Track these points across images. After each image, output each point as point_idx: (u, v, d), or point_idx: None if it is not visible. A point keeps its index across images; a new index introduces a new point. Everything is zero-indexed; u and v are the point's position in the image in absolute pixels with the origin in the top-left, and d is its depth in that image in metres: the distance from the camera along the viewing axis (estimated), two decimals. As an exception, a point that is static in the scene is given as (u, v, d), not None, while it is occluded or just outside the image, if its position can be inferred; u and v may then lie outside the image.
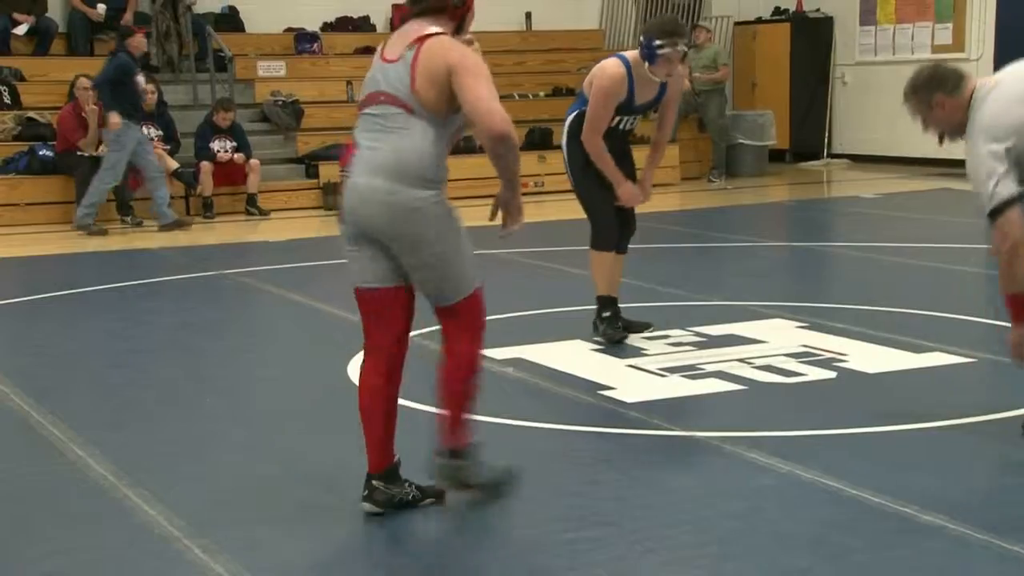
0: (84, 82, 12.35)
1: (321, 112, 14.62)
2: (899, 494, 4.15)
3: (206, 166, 12.74)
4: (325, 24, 16.31)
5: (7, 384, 5.97)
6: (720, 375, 5.82)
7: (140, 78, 11.81)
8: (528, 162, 13.77)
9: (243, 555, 3.82)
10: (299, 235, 11.53)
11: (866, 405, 5.34)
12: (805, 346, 6.37)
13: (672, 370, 5.95)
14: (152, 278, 9.24)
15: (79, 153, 12.24)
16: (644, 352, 6.33)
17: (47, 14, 14.57)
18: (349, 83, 15.02)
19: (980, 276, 9.03)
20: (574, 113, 6.45)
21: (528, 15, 17.36)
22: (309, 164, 13.86)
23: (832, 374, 5.83)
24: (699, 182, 15.57)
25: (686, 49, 6.22)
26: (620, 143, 6.45)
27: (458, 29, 4.07)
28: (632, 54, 6.31)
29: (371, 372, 4.11)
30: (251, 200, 12.96)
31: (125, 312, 7.99)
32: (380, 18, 16.57)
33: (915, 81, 4.76)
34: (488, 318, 4.19)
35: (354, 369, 5.86)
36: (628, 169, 6.48)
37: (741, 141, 16.13)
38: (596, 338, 6.54)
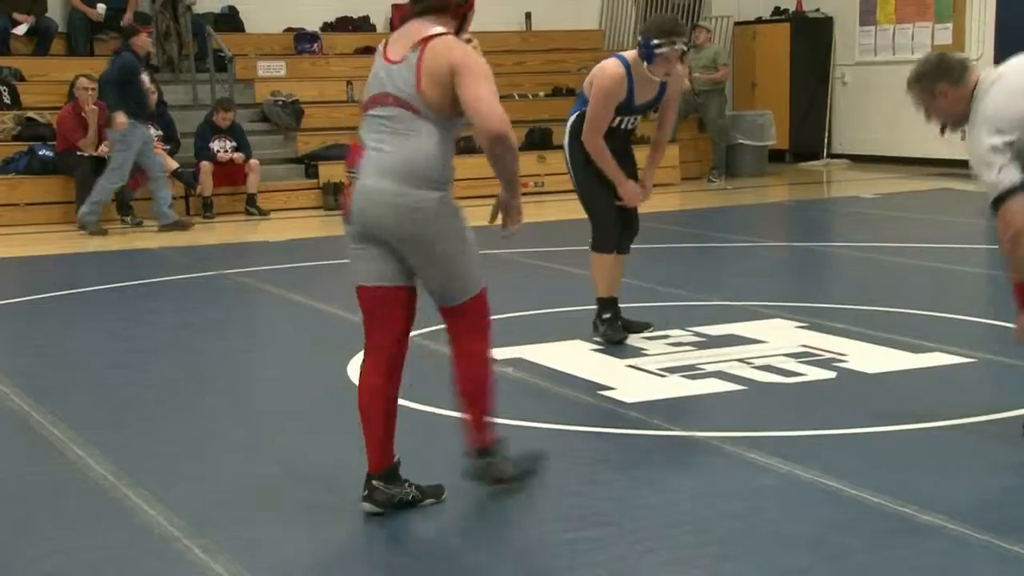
0: (84, 82, 12.35)
1: (321, 112, 14.62)
2: (899, 494, 4.15)
3: (206, 166, 12.74)
4: (325, 24, 16.31)
5: (7, 384, 5.98)
6: (720, 375, 5.83)
7: (145, 77, 11.82)
8: (528, 162, 13.78)
9: (243, 555, 3.82)
10: (299, 235, 11.53)
11: (866, 405, 5.35)
12: (805, 346, 6.37)
13: (672, 370, 5.96)
14: (152, 278, 9.24)
15: (79, 153, 12.24)
16: (644, 352, 6.33)
17: (47, 14, 14.56)
18: (349, 83, 15.02)
19: (980, 276, 9.04)
20: (575, 114, 6.46)
21: (528, 15, 17.36)
22: (309, 164, 13.86)
23: (832, 374, 5.83)
24: (699, 182, 15.58)
25: (684, 48, 6.22)
26: (622, 143, 6.46)
27: (460, 28, 4.08)
28: (631, 54, 6.32)
29: (371, 372, 4.12)
30: (251, 200, 12.97)
31: (125, 312, 7.99)
32: (380, 18, 16.57)
33: (919, 70, 4.76)
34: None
35: (354, 369, 5.86)
36: (630, 168, 6.49)
37: (741, 141, 16.13)
38: (596, 338, 6.55)
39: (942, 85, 4.69)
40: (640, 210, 6.63)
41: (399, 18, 17.76)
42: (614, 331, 6.51)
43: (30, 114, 13.35)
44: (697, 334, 6.68)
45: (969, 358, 6.11)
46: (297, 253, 10.36)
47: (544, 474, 4.37)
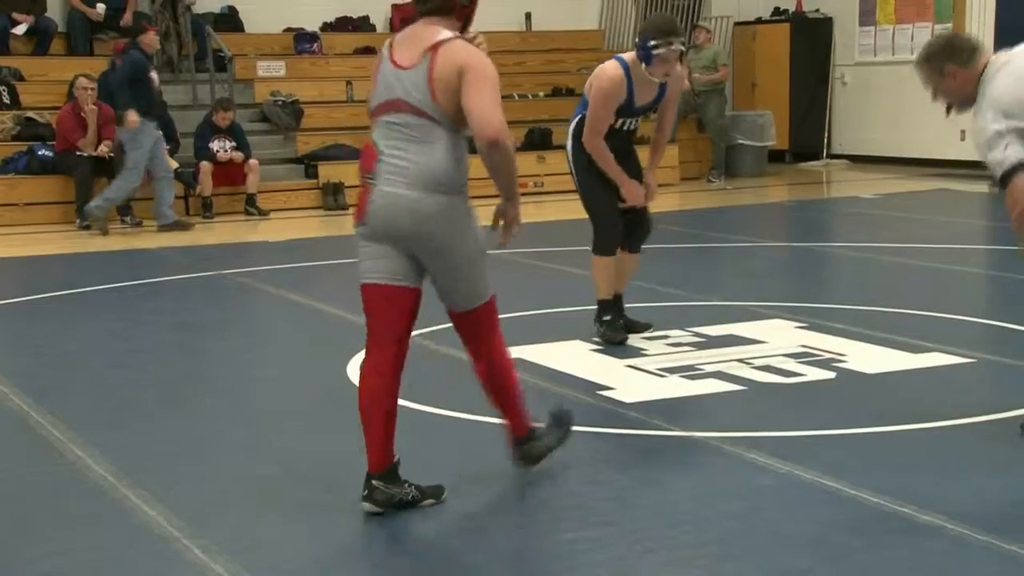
0: (83, 82, 12.35)
1: (321, 112, 14.62)
2: (898, 494, 4.16)
3: (205, 166, 12.74)
4: (325, 24, 16.31)
5: (7, 384, 5.97)
6: (719, 375, 5.83)
7: (154, 75, 11.82)
8: (528, 162, 13.78)
9: (243, 555, 3.83)
10: (298, 235, 11.52)
11: (865, 405, 5.35)
12: (804, 346, 6.37)
13: (671, 370, 5.96)
14: (152, 278, 9.24)
15: (78, 153, 12.24)
16: (643, 352, 6.33)
17: (46, 14, 14.56)
18: (349, 83, 15.02)
19: (979, 276, 9.05)
20: (578, 117, 6.47)
21: (528, 15, 17.36)
22: (308, 164, 13.86)
23: (831, 374, 5.84)
24: (698, 182, 15.58)
25: (682, 48, 6.22)
26: (624, 144, 6.46)
27: (463, 27, 4.11)
28: (630, 56, 6.32)
29: (372, 372, 4.12)
30: (250, 200, 12.96)
31: (125, 312, 7.99)
32: (380, 18, 16.57)
33: (929, 49, 4.76)
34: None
35: (354, 369, 5.87)
36: (633, 168, 6.49)
37: (741, 141, 16.14)
38: (596, 339, 6.55)
39: (951, 66, 4.69)
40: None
41: (399, 19, 17.69)
42: (614, 332, 6.51)
43: (29, 114, 13.35)
44: (697, 334, 6.68)
45: (968, 358, 6.11)
46: (297, 253, 10.36)
47: (544, 475, 4.38)
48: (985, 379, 5.94)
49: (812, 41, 17.60)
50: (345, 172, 13.39)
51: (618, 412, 5.30)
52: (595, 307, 6.60)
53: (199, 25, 14.80)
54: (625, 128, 6.43)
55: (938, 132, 15.91)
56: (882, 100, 16.97)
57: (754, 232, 11.57)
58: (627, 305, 6.75)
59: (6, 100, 13.51)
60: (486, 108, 3.91)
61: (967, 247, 10.11)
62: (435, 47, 3.99)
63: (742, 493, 4.27)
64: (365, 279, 4.13)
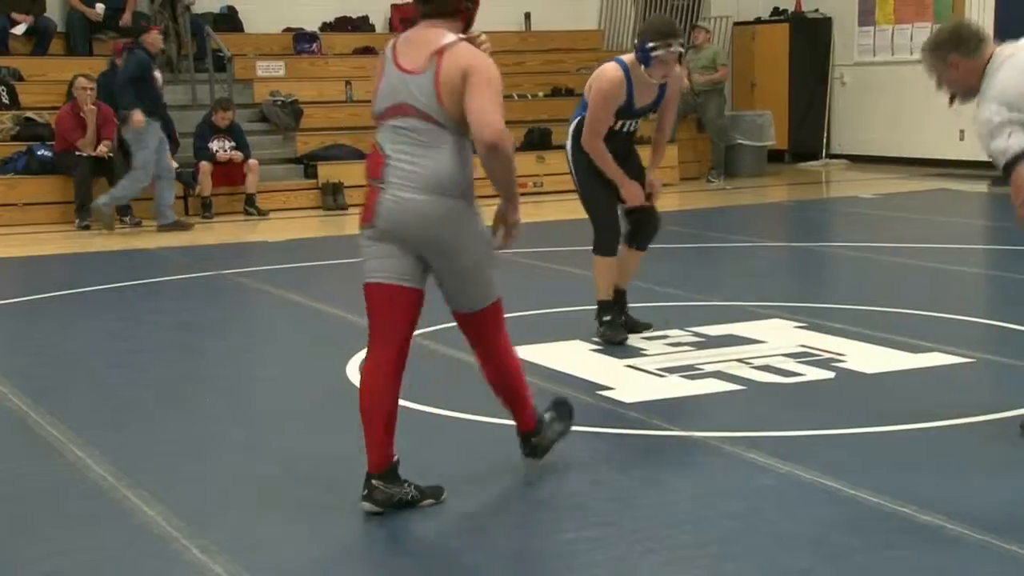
0: (82, 82, 12.34)
1: (320, 112, 14.62)
2: (898, 494, 4.16)
3: (205, 166, 12.74)
4: (324, 24, 16.31)
5: (6, 384, 5.97)
6: (719, 375, 5.83)
7: (158, 74, 11.81)
8: (527, 162, 13.78)
9: (242, 555, 3.83)
10: (298, 235, 11.52)
11: (865, 405, 5.35)
12: (803, 346, 6.38)
13: (671, 370, 5.96)
14: (151, 278, 9.24)
15: (77, 153, 12.23)
16: (643, 352, 6.33)
17: (45, 14, 14.56)
18: (348, 83, 15.02)
19: (978, 276, 9.05)
20: (577, 118, 6.47)
21: (527, 15, 17.36)
22: (308, 164, 13.86)
23: (831, 374, 5.84)
24: (698, 182, 15.58)
25: (681, 50, 6.23)
26: (623, 145, 6.46)
27: (465, 28, 4.13)
28: (630, 57, 6.34)
29: (374, 371, 4.13)
30: (250, 200, 12.96)
31: (124, 312, 7.99)
32: (379, 18, 16.57)
33: (934, 38, 4.76)
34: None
35: (353, 369, 5.88)
36: (635, 168, 6.50)
37: (740, 141, 16.14)
38: (595, 338, 6.55)
39: (955, 56, 4.68)
40: (627, 213, 6.63)
41: (399, 18, 17.64)
42: (614, 332, 6.51)
43: (28, 114, 13.35)
44: (696, 334, 6.69)
45: (967, 358, 6.11)
46: (296, 253, 10.36)
47: (544, 475, 4.39)
48: (984, 379, 5.94)
49: (811, 41, 17.60)
50: (344, 172, 13.39)
51: (618, 412, 5.30)
52: (594, 307, 6.60)
53: (198, 25, 14.80)
54: (624, 130, 6.44)
55: (937, 132, 15.95)
56: (881, 100, 16.97)
57: (753, 232, 11.57)
58: (627, 305, 6.75)
59: (5, 100, 13.50)
60: (486, 111, 3.93)
61: (966, 247, 10.12)
62: (441, 51, 4.01)
63: (742, 493, 4.27)
64: (369, 278, 4.14)
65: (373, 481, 4.11)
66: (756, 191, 14.85)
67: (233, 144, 12.97)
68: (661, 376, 5.87)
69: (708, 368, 5.96)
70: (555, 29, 17.25)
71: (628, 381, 5.79)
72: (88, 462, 4.75)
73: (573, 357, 6.26)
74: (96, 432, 5.15)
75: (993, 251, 10.19)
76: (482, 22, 4.23)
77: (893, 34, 16.96)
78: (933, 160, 16.20)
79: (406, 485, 4.15)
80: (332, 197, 13.30)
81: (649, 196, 6.50)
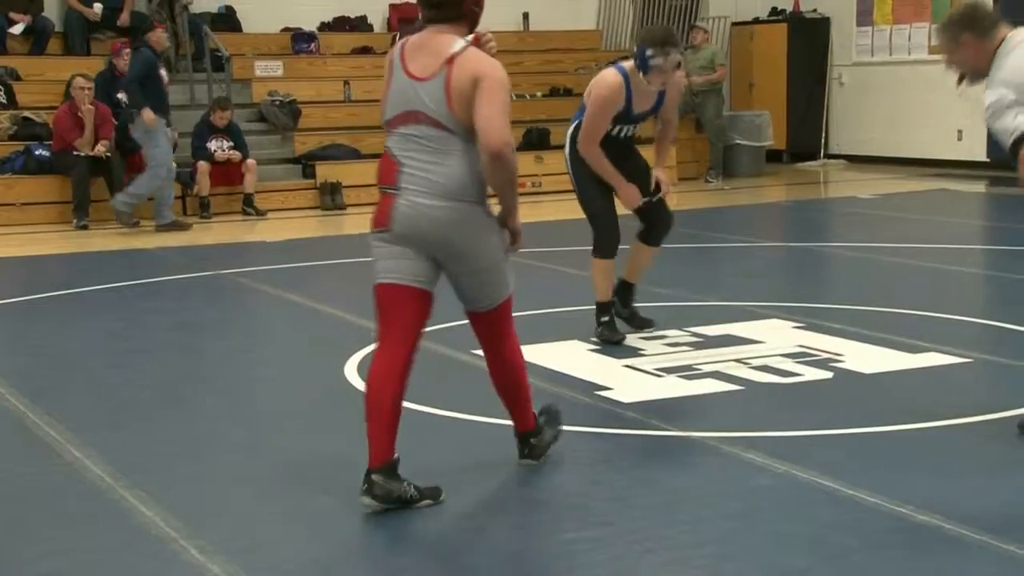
0: (80, 81, 12.33)
1: (318, 112, 14.62)
2: (896, 494, 4.16)
3: (203, 166, 12.73)
4: (322, 24, 16.31)
5: (4, 384, 5.97)
6: (717, 375, 5.83)
7: (163, 72, 11.81)
8: (526, 162, 13.78)
9: (241, 556, 3.83)
10: (296, 235, 11.53)
11: (863, 405, 5.35)
12: (802, 346, 6.38)
13: (669, 370, 5.96)
14: (150, 278, 9.24)
15: (75, 153, 12.22)
16: (641, 352, 6.34)
17: (43, 13, 14.55)
18: (346, 83, 15.02)
19: (977, 276, 9.05)
20: (576, 122, 6.48)
21: (526, 15, 17.36)
22: (306, 164, 13.86)
23: (829, 374, 5.84)
24: (696, 182, 15.58)
25: (679, 58, 6.24)
26: (622, 150, 6.47)
27: (470, 30, 4.19)
28: (629, 64, 6.35)
29: (382, 369, 4.16)
30: (248, 200, 12.96)
31: (123, 312, 7.99)
32: (377, 18, 16.57)
33: (950, 16, 4.76)
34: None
35: (352, 369, 5.88)
36: (638, 167, 6.49)
37: (738, 141, 16.15)
38: (593, 338, 6.55)
39: (967, 35, 4.67)
40: (637, 212, 6.63)
41: (397, 18, 17.63)
42: (612, 332, 6.52)
43: (26, 114, 13.34)
44: (694, 334, 6.69)
45: (965, 358, 6.12)
46: (294, 253, 10.36)
47: (543, 475, 4.40)
48: (982, 379, 5.95)
49: (809, 41, 17.61)
50: (343, 172, 13.39)
51: (616, 412, 5.31)
52: (593, 307, 6.60)
53: (196, 25, 14.79)
54: (622, 135, 6.45)
55: (936, 132, 15.97)
56: (880, 100, 16.98)
57: (752, 232, 11.58)
58: (625, 305, 6.76)
59: (3, 100, 13.50)
60: (493, 118, 3.99)
61: (965, 247, 10.13)
62: (451, 59, 4.06)
63: (740, 493, 4.28)
64: (382, 279, 4.17)
65: (373, 476, 4.12)
66: (754, 191, 14.85)
67: (231, 144, 12.97)
68: (659, 376, 5.87)
69: (706, 368, 5.96)
70: (553, 29, 17.25)
71: (626, 381, 5.79)
72: (86, 462, 4.75)
73: (571, 357, 6.26)
74: (94, 432, 5.15)
75: (991, 251, 10.20)
76: (481, 22, 4.25)
77: (891, 34, 16.97)
78: (931, 160, 16.21)
79: (405, 484, 4.15)
80: (330, 197, 13.30)
81: (656, 190, 6.50)
